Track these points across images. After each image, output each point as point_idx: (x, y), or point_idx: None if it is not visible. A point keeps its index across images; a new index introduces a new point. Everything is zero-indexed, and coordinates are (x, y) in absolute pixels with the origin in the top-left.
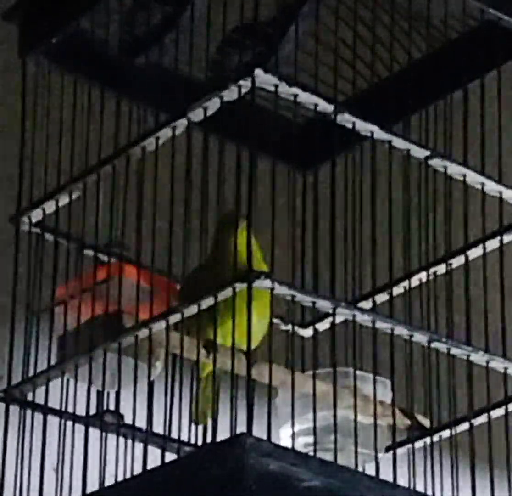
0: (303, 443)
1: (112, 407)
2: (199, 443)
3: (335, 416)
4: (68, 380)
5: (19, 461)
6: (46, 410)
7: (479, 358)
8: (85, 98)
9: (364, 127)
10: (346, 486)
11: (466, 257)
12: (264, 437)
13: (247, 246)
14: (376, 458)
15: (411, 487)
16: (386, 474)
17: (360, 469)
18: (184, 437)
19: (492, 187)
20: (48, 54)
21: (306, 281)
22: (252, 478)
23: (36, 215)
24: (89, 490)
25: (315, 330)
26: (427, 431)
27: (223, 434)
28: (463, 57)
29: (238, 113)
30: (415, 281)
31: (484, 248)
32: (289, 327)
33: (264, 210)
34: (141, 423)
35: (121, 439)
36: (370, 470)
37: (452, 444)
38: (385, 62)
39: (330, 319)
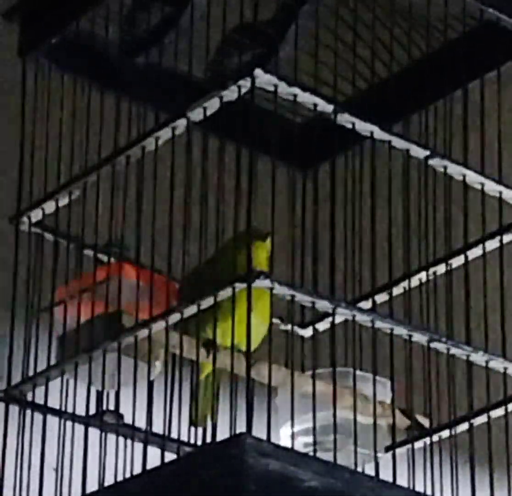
0: (303, 443)
1: (111, 407)
2: (199, 443)
3: (335, 416)
4: (67, 380)
5: (19, 461)
6: (45, 410)
7: (479, 358)
8: (85, 98)
9: (364, 127)
10: (346, 486)
11: (466, 257)
12: (264, 437)
13: (247, 246)
14: (376, 458)
15: (411, 487)
16: (386, 474)
17: (360, 469)
18: (184, 437)
19: (492, 187)
20: (48, 54)
21: (306, 281)
22: (252, 478)
23: (36, 215)
24: (89, 490)
25: (315, 330)
26: (427, 431)
27: (223, 434)
28: (463, 57)
29: (238, 113)
30: (415, 281)
31: (484, 248)
32: (289, 327)
33: (264, 210)
34: (141, 423)
35: (121, 439)
36: (370, 470)
37: (452, 444)
38: (385, 62)
39: (329, 319)
